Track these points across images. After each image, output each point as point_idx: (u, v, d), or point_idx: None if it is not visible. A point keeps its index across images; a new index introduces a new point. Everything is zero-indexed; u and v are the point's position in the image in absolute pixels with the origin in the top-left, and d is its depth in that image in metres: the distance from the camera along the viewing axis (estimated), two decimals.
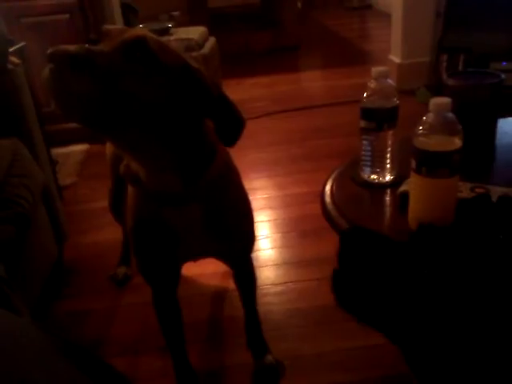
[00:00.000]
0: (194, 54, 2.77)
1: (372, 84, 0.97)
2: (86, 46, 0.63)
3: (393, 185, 0.98)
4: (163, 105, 0.69)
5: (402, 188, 0.92)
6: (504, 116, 1.16)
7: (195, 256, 0.99)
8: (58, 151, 2.27)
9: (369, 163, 1.00)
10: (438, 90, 2.59)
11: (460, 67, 2.57)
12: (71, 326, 1.41)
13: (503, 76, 1.06)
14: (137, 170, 0.81)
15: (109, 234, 1.75)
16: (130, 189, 0.90)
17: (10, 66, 1.43)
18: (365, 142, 0.99)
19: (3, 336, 0.50)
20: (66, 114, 0.64)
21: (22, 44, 1.81)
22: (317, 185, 1.12)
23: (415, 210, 0.83)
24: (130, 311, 1.46)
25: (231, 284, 1.37)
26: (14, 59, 1.51)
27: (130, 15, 3.62)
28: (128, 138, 0.71)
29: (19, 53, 1.69)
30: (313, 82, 3.65)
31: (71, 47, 0.60)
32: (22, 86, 1.48)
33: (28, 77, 1.54)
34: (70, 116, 0.64)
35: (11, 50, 1.54)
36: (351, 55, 4.09)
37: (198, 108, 0.74)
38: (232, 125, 0.77)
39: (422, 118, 0.81)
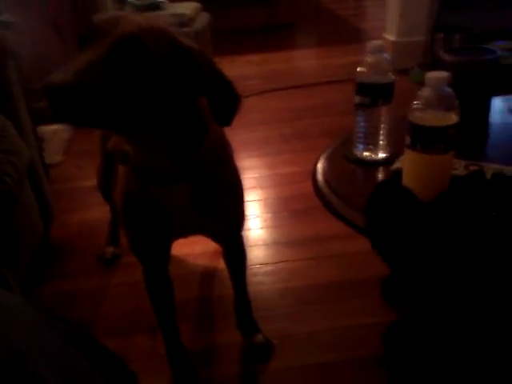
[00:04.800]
0: (186, 29, 2.71)
1: (368, 58, 0.94)
2: (74, 66, 0.60)
3: (386, 162, 0.96)
4: (160, 93, 0.67)
5: (396, 165, 0.90)
6: (499, 94, 1.15)
7: (185, 233, 0.98)
8: (44, 129, 2.22)
9: (362, 140, 0.98)
10: (432, 69, 2.56)
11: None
12: (59, 307, 1.39)
13: (499, 52, 1.04)
14: (125, 148, 0.79)
15: (97, 213, 1.73)
16: (120, 165, 0.88)
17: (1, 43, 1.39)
18: (359, 118, 0.97)
19: None
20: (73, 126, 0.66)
21: (8, 18, 1.75)
22: (308, 164, 1.10)
23: (409, 187, 0.81)
24: (119, 291, 1.44)
25: (221, 263, 1.36)
26: (7, 35, 1.46)
27: None
28: (121, 126, 0.70)
29: (5, 26, 1.63)
30: (306, 60, 3.61)
31: (61, 77, 0.58)
32: (8, 62, 1.44)
33: (13, 52, 1.50)
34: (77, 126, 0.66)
35: None
36: (346, 33, 4.04)
37: (192, 88, 0.72)
38: (228, 102, 0.74)
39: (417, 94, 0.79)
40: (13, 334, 0.48)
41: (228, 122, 0.75)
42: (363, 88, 0.95)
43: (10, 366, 0.45)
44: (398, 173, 0.85)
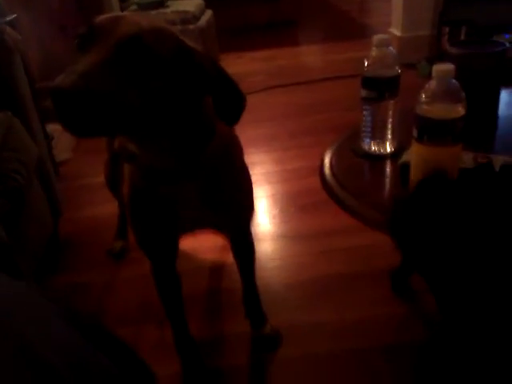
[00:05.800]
0: (191, 26, 2.72)
1: (374, 52, 0.95)
2: (76, 69, 0.59)
3: (393, 155, 0.97)
4: (164, 94, 0.67)
5: (403, 159, 0.90)
6: (507, 86, 1.14)
7: (193, 228, 0.98)
8: (53, 126, 2.24)
9: (369, 134, 0.98)
10: (439, 62, 2.55)
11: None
12: (69, 300, 1.41)
13: (507, 45, 1.03)
14: (131, 148, 0.79)
15: (106, 208, 1.74)
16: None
17: (8, 40, 1.40)
18: (366, 112, 0.97)
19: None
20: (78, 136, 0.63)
21: (13, 16, 1.76)
22: (315, 159, 1.11)
23: (417, 179, 0.82)
24: (128, 284, 1.45)
25: (229, 257, 1.37)
26: (13, 33, 1.47)
27: None
28: (126, 128, 0.69)
29: (10, 25, 1.65)
30: (312, 55, 3.60)
31: (66, 80, 0.57)
32: (15, 59, 1.45)
33: (20, 50, 1.51)
34: (81, 136, 0.64)
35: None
36: (351, 29, 4.03)
37: (196, 88, 0.72)
38: (232, 103, 0.74)
39: (424, 87, 0.79)
40: (23, 325, 0.48)
41: (233, 121, 0.75)
42: (369, 82, 0.95)
43: (21, 357, 0.45)
44: (406, 166, 0.85)
